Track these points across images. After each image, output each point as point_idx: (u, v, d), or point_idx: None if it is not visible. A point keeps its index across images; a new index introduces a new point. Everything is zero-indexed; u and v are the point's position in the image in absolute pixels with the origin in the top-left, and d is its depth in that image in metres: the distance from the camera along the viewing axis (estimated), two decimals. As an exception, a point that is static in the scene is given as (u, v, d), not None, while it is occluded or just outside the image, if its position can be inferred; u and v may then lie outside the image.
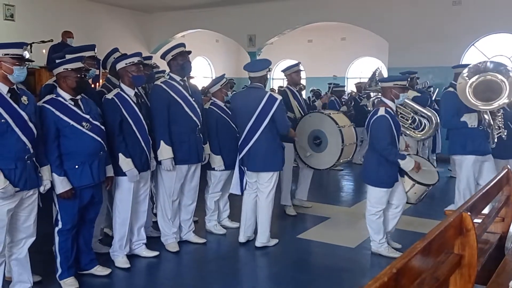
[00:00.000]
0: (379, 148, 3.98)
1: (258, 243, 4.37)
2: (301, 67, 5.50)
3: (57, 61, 3.45)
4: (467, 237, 2.01)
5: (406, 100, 5.33)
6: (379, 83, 4.25)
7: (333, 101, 9.31)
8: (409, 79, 6.00)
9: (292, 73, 5.39)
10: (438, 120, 4.92)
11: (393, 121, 3.98)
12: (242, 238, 4.48)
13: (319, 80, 12.92)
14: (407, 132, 5.37)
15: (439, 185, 5.36)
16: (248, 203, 4.47)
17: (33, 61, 4.27)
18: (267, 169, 4.24)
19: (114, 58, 4.19)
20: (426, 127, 4.89)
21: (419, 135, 4.92)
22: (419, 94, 5.89)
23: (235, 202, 5.02)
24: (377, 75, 5.29)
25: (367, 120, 4.12)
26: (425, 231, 4.17)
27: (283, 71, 5.51)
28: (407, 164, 3.95)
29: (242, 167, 4.40)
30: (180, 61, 4.16)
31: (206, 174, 4.74)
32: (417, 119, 5.26)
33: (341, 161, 5.13)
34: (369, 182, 4.18)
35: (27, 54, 3.04)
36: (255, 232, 4.46)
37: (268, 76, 4.58)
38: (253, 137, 4.19)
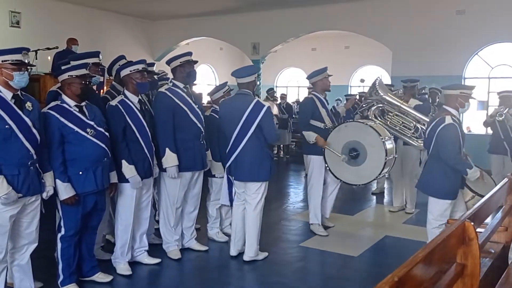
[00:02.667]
0: (448, 157, 3.75)
1: (246, 257, 4.21)
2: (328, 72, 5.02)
3: (62, 67, 3.48)
4: (469, 247, 2.00)
5: (407, 109, 5.31)
6: (443, 91, 4.01)
7: (349, 109, 9.35)
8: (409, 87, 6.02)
9: (323, 78, 4.93)
10: None
11: (460, 130, 3.79)
12: (233, 252, 4.31)
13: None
14: (410, 142, 5.34)
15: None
16: (238, 215, 4.28)
17: (34, 65, 4.30)
18: (253, 179, 4.08)
19: (119, 65, 4.23)
20: None
21: (422, 144, 4.89)
22: (421, 103, 5.87)
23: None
24: (377, 84, 5.23)
25: (430, 128, 3.91)
26: (427, 240, 4.16)
27: (309, 77, 5.02)
28: (474, 173, 3.75)
29: (230, 176, 4.27)
30: (187, 69, 4.17)
31: (207, 181, 4.73)
32: (419, 128, 5.24)
33: (381, 176, 4.77)
34: (433, 194, 3.94)
35: (28, 59, 3.04)
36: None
37: (258, 83, 4.49)
38: (239, 145, 4.04)
